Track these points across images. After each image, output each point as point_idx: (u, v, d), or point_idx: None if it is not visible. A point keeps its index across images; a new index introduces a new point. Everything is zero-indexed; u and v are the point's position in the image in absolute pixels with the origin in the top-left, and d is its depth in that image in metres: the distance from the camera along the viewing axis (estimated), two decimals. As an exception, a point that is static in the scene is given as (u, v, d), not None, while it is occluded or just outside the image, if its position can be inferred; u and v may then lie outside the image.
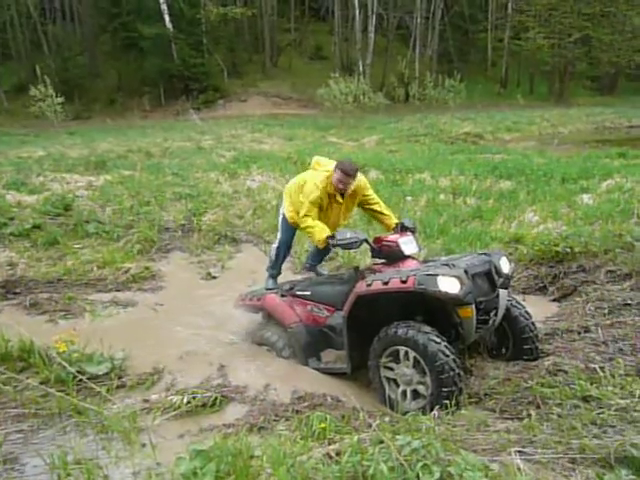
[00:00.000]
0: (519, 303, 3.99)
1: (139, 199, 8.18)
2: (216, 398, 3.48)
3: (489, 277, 3.59)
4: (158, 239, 7.04)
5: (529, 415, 3.00)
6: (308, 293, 4.32)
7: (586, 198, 8.02)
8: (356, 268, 4.05)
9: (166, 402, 3.44)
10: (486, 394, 3.28)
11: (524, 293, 5.25)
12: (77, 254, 6.53)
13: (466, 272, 3.35)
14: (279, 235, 4.63)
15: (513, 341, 3.84)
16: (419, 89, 27.35)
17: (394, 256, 3.83)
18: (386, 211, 4.38)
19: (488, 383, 3.42)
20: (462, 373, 3.26)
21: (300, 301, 4.34)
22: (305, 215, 4.06)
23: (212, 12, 31.33)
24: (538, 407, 3.09)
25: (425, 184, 9.55)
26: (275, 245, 4.73)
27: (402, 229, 4.15)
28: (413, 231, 4.15)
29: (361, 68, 31.71)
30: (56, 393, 3.46)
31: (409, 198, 8.49)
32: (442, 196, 8.62)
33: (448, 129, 18.09)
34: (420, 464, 2.26)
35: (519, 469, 2.34)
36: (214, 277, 6.30)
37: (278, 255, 4.69)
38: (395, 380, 3.47)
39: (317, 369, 3.99)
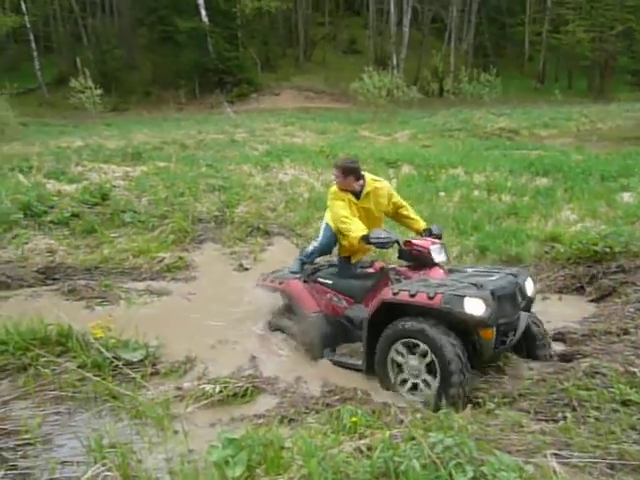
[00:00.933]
0: (537, 320, 3.94)
1: (174, 190, 8.29)
2: (247, 388, 3.52)
3: (513, 299, 3.56)
4: (192, 230, 7.13)
5: (565, 417, 2.93)
6: (330, 282, 4.34)
7: (626, 196, 7.81)
8: (382, 268, 4.03)
9: (198, 390, 3.49)
10: (520, 394, 3.22)
11: (560, 293, 5.14)
12: (113, 243, 6.66)
13: (493, 294, 3.32)
14: (320, 238, 4.56)
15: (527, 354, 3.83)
16: (454, 83, 27.00)
17: (423, 262, 3.83)
18: (414, 215, 4.36)
19: (522, 383, 3.36)
20: (469, 380, 3.27)
21: (321, 288, 4.37)
22: (343, 215, 4.00)
23: (247, 6, 31.46)
24: (574, 410, 3.02)
25: (459, 180, 9.43)
26: (313, 246, 4.67)
27: (430, 235, 4.12)
28: (440, 237, 4.13)
29: (395, 62, 31.44)
30: (93, 377, 3.54)
31: (442, 194, 8.40)
32: (476, 192, 8.50)
33: (483, 124, 17.80)
34: (453, 462, 2.23)
35: (555, 472, 2.29)
36: (246, 269, 6.34)
37: (313, 253, 4.65)
38: (400, 366, 3.47)
39: (331, 360, 3.98)
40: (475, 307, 3.21)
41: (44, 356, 3.88)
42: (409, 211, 4.34)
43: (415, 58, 33.30)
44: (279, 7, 33.12)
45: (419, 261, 3.85)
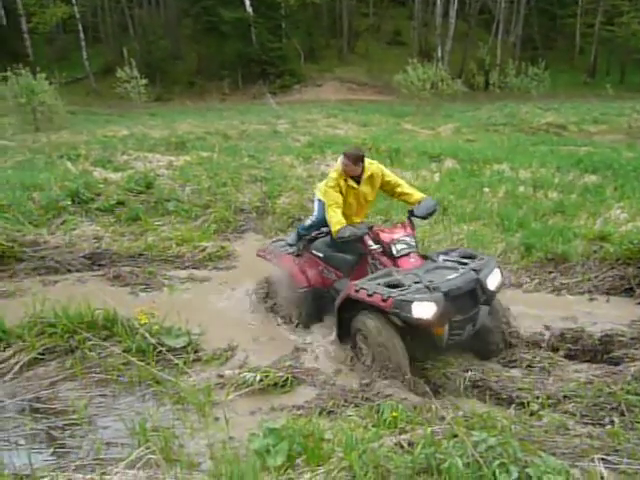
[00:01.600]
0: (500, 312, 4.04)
1: (216, 180, 8.38)
2: (287, 379, 3.54)
3: (471, 296, 3.67)
4: (234, 220, 7.21)
5: (612, 422, 2.86)
6: (321, 255, 4.61)
7: (680, 196, 7.48)
8: (370, 227, 4.17)
9: (239, 379, 3.54)
10: (565, 396, 3.14)
11: (608, 294, 4.98)
12: (157, 231, 6.79)
13: (446, 294, 3.45)
14: (315, 213, 4.76)
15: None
16: (500, 77, 26.33)
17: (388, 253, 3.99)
18: (409, 190, 4.38)
19: (567, 385, 3.27)
20: (403, 354, 3.56)
21: (314, 260, 4.67)
22: (332, 204, 4.19)
23: (292, -4, 31.48)
24: (622, 414, 2.93)
25: (504, 175, 9.20)
26: (311, 220, 4.83)
27: (411, 216, 4.18)
28: (426, 217, 4.21)
29: (440, 54, 30.92)
30: (137, 362, 3.63)
31: (487, 189, 8.22)
32: (522, 188, 8.28)
33: (529, 119, 17.30)
34: (497, 462, 2.20)
35: (602, 478, 2.23)
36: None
37: (310, 227, 4.82)
38: (362, 349, 3.85)
39: None
40: (423, 310, 3.38)
41: (90, 339, 4.00)
42: (404, 187, 4.38)
43: (460, 50, 32.68)
44: (324, -2, 33.10)
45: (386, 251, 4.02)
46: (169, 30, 34.90)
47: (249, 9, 31.00)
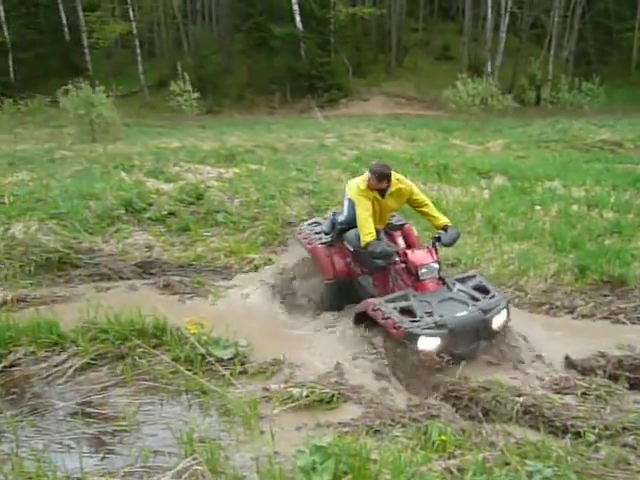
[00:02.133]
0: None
1: (264, 193, 8.46)
2: (333, 395, 3.52)
3: (474, 333, 3.95)
4: (281, 232, 7.25)
5: (678, 458, 2.70)
6: (352, 249, 4.90)
7: None
8: (397, 252, 4.46)
9: (285, 393, 3.53)
10: (624, 428, 3.00)
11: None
12: (206, 241, 6.90)
13: (452, 331, 3.80)
14: (345, 212, 4.92)
15: None
16: (552, 92, 25.73)
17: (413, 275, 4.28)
18: (434, 213, 4.59)
19: (627, 416, 3.13)
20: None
21: (344, 251, 5.02)
22: (363, 211, 4.43)
23: (342, 12, 31.71)
24: (689, 450, 2.78)
25: (556, 193, 8.96)
26: (341, 219, 5.03)
27: (436, 242, 4.47)
28: (450, 245, 4.52)
29: (490, 69, 30.51)
30: (185, 372, 3.68)
31: (538, 207, 8.01)
32: (575, 207, 8.04)
33: (583, 135, 16.81)
34: (553, 495, 2.11)
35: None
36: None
37: (341, 223, 5.02)
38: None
39: None
40: (428, 344, 3.76)
41: (141, 347, 4.09)
42: (430, 209, 4.60)
43: (511, 65, 32.16)
44: (373, 13, 33.15)
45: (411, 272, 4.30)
46: (221, 45, 35.73)
47: (299, 25, 31.43)
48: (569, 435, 2.94)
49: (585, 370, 3.83)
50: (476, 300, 4.09)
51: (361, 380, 3.85)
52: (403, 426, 3.18)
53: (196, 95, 23.45)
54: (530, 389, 3.56)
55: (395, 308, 3.95)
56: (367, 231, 4.34)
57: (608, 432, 2.97)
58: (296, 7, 31.06)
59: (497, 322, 4.01)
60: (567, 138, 16.45)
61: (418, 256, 4.29)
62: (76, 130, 17.10)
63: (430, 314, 3.91)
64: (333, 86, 31.34)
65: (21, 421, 3.32)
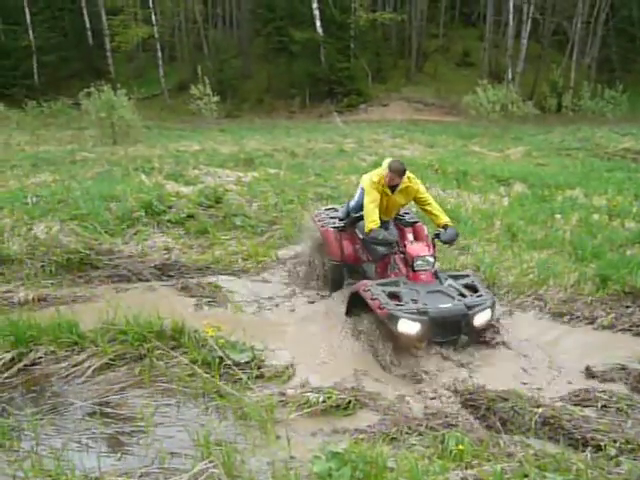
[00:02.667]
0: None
1: (283, 197, 8.50)
2: (350, 401, 3.51)
3: (454, 325, 4.17)
4: (298, 237, 7.26)
5: (699, 474, 2.64)
6: (361, 236, 5.22)
7: None
8: (397, 242, 4.79)
9: (301, 398, 3.53)
10: (646, 442, 2.95)
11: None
12: (224, 244, 6.94)
13: (432, 319, 4.03)
14: (356, 199, 5.33)
15: None
16: (573, 99, 25.47)
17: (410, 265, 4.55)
18: (436, 212, 4.93)
19: (649, 430, 3.07)
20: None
21: (354, 238, 5.40)
22: (371, 202, 4.79)
23: (362, 17, 31.75)
24: None
25: (577, 202, 8.86)
26: (352, 204, 5.44)
27: (435, 238, 4.80)
28: (450, 243, 4.88)
29: (510, 75, 30.30)
30: (203, 374, 3.69)
31: (558, 216, 7.93)
32: (596, 216, 7.94)
33: (605, 144, 16.60)
34: (573, 509, 2.08)
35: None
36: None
37: (353, 209, 5.42)
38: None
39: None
40: (407, 327, 4.02)
41: (159, 348, 4.11)
42: (433, 207, 4.93)
43: (532, 72, 31.90)
44: (393, 18, 33.13)
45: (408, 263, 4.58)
46: (241, 49, 35.99)
47: (319, 30, 31.51)
48: (589, 448, 2.89)
49: (606, 382, 3.77)
50: (463, 296, 4.30)
51: (378, 387, 3.84)
52: (420, 434, 3.16)
53: (216, 99, 23.63)
54: (549, 400, 3.51)
55: (384, 291, 4.23)
56: (372, 219, 4.72)
57: (630, 446, 2.92)
58: (316, 12, 31.15)
59: (479, 319, 4.20)
60: (589, 146, 16.27)
61: (416, 248, 4.59)
62: (97, 132, 17.33)
63: (415, 301, 4.16)
64: (352, 91, 31.36)
65: (41, 419, 3.36)
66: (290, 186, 9.20)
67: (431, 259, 4.53)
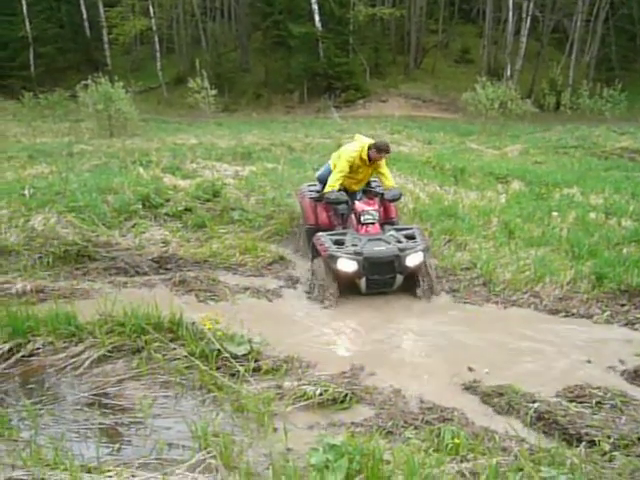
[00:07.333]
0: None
1: (281, 191, 8.49)
2: (346, 395, 3.53)
3: (389, 265, 5.06)
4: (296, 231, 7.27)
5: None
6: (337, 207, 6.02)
7: None
8: (347, 202, 5.74)
9: (298, 391, 3.54)
10: (640, 438, 2.98)
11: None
12: (221, 238, 6.94)
13: (366, 259, 4.97)
14: (321, 170, 6.45)
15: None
16: (572, 97, 25.45)
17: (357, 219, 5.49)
18: (386, 178, 5.98)
19: (643, 426, 3.11)
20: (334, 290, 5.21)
21: (328, 207, 6.06)
22: (338, 171, 5.68)
23: (361, 12, 31.65)
24: (703, 462, 2.75)
25: (574, 200, 8.89)
26: (317, 173, 6.63)
27: (381, 198, 5.82)
28: (394, 201, 5.94)
29: (509, 73, 30.31)
30: (201, 366, 3.71)
31: (555, 214, 7.95)
32: (593, 215, 7.97)
33: (602, 142, 16.60)
34: (567, 502, 2.11)
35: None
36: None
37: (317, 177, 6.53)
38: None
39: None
40: (345, 265, 5.01)
41: (157, 340, 4.12)
42: (386, 175, 5.97)
43: (531, 69, 31.91)
44: (393, 14, 33.05)
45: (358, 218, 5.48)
46: (239, 43, 35.89)
47: (318, 24, 31.41)
48: (583, 443, 2.92)
49: (600, 378, 3.80)
50: (399, 242, 5.16)
51: (374, 382, 3.86)
52: (415, 428, 3.18)
53: (214, 92, 23.52)
54: (544, 396, 3.54)
55: (331, 240, 5.19)
56: (332, 183, 5.64)
57: (623, 442, 2.95)
58: (315, 6, 31.06)
59: (412, 260, 5.08)
60: (586, 145, 16.29)
61: (362, 204, 5.58)
62: (94, 125, 17.28)
63: (355, 246, 5.07)
64: (350, 86, 31.29)
65: (40, 410, 3.37)
66: (288, 180, 9.19)
67: (375, 213, 5.47)
